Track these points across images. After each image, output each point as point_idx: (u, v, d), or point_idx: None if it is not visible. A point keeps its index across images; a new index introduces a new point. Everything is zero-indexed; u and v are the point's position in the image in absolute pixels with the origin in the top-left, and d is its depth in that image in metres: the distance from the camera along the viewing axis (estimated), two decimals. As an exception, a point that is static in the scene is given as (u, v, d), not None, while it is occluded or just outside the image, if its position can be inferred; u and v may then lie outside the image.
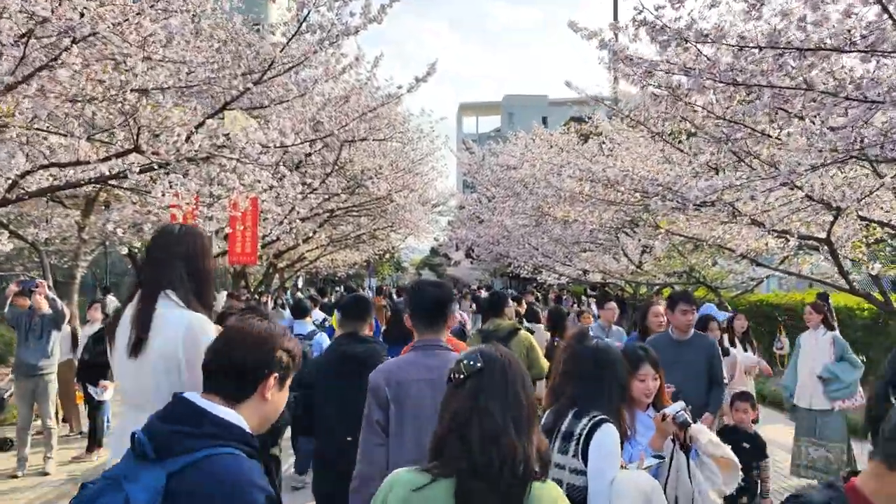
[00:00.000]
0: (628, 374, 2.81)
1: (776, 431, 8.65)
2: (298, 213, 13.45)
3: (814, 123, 4.02)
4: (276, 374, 1.70)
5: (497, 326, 5.32)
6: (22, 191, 6.32)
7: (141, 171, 6.98)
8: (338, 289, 29.80)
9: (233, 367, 1.65)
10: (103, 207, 13.12)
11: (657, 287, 16.07)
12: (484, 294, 22.98)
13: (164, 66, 6.15)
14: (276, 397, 1.71)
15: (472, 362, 1.68)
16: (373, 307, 4.51)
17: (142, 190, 7.63)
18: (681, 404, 2.86)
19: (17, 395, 7.88)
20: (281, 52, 6.81)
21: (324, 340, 7.55)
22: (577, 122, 20.53)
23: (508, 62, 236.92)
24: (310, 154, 13.60)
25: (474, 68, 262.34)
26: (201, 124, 6.99)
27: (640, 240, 14.19)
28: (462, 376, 1.67)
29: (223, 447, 1.54)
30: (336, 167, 13.72)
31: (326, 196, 15.62)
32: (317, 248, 20.87)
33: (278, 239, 15.55)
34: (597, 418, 2.49)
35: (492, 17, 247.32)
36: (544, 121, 32.03)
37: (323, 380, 3.91)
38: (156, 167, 6.78)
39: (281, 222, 13.47)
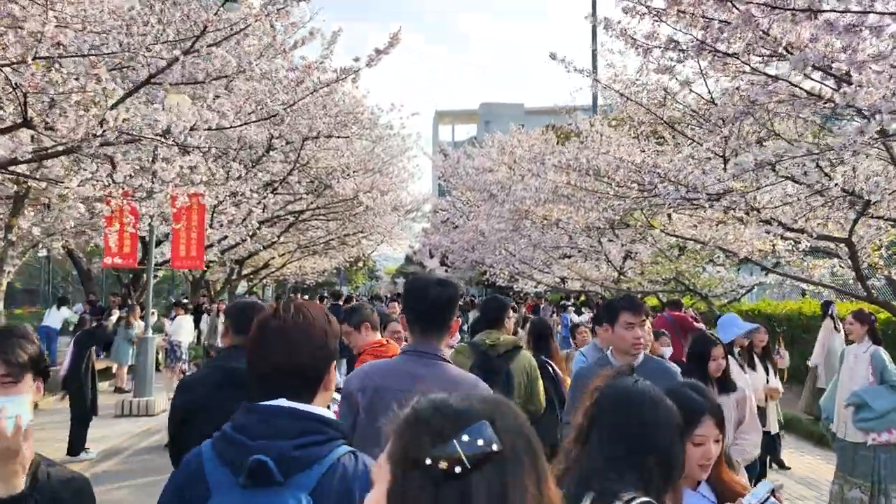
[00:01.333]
0: (681, 435, 1.69)
1: (793, 460, 7.72)
2: (259, 214, 12.37)
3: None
4: (334, 362, 1.71)
5: (496, 341, 4.19)
6: None
7: (45, 157, 5.88)
8: (306, 296, 28.56)
9: (304, 373, 1.64)
10: (45, 206, 11.95)
11: (640, 295, 15.18)
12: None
13: (69, 28, 5.08)
14: (332, 378, 1.70)
15: (479, 440, 0.89)
16: None
17: (55, 180, 6.52)
18: (766, 486, 1.86)
19: None
20: (215, 15, 5.77)
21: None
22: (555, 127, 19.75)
23: (490, 47, 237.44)
24: (270, 149, 12.53)
25: (450, 54, 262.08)
26: (120, 101, 5.91)
27: (623, 244, 13.31)
28: (460, 468, 0.87)
29: (337, 448, 1.53)
30: (298, 165, 12.62)
31: (290, 198, 14.54)
32: (284, 254, 19.76)
33: (238, 244, 14.43)
34: (635, 502, 1.48)
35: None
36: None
37: (204, 400, 2.95)
38: (60, 149, 5.67)
39: (237, 225, 12.40)
